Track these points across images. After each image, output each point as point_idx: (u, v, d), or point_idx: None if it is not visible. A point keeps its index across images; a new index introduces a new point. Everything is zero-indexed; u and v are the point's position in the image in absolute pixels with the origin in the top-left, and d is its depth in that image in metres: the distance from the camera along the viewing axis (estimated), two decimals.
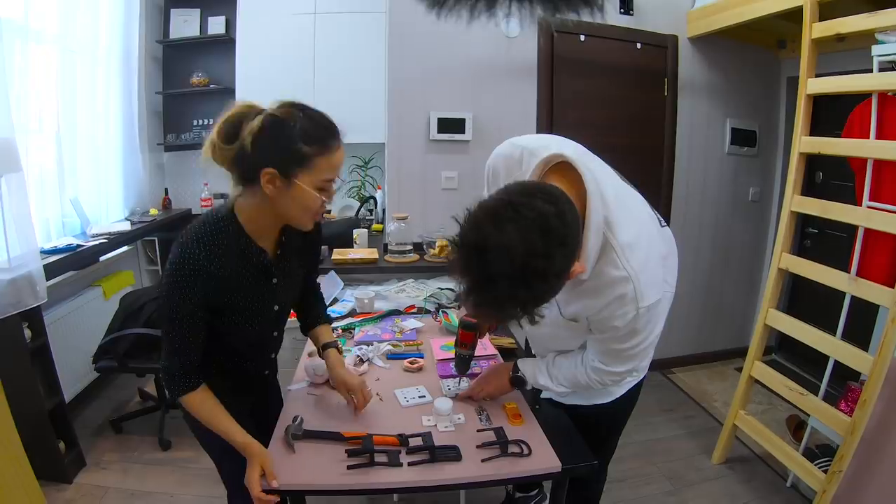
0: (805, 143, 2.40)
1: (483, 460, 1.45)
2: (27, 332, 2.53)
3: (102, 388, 3.55)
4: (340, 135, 1.33)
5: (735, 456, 2.86)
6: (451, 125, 3.31)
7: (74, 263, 3.17)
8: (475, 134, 3.32)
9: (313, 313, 1.78)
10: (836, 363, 2.27)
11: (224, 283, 1.33)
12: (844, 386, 2.32)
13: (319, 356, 1.74)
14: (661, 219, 1.57)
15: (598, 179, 1.22)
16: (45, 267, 2.59)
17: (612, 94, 3.41)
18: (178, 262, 1.28)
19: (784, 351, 3.77)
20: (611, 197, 1.24)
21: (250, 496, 1.34)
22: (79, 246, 3.17)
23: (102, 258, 3.59)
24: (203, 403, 1.41)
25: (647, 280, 1.24)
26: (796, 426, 2.86)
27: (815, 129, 2.41)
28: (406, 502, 2.58)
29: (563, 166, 1.25)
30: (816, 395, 2.34)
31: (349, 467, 1.41)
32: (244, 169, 1.27)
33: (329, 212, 4.58)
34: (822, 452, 2.44)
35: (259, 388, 1.71)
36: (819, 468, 2.26)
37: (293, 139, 1.23)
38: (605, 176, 1.32)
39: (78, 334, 3.19)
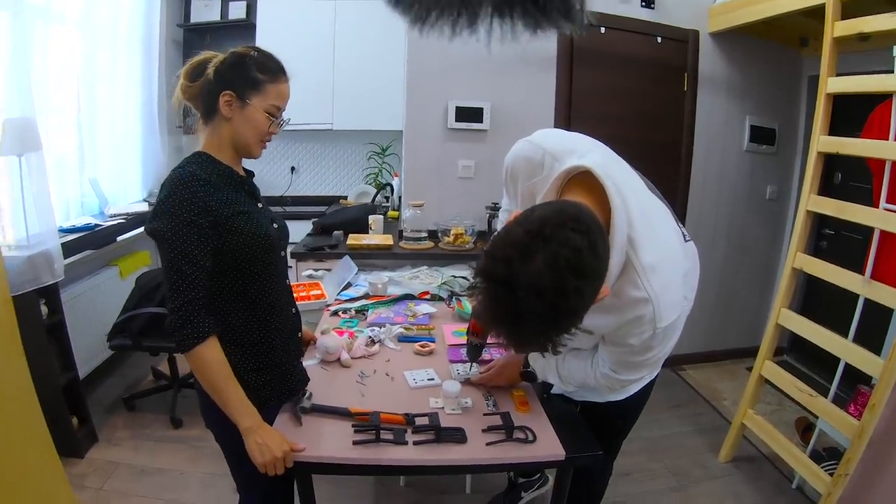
0: (823, 142, 2.37)
1: (488, 444, 1.46)
2: (44, 309, 2.58)
3: (116, 367, 3.61)
4: (287, 74, 1.51)
5: (742, 455, 2.85)
6: (469, 114, 3.31)
7: (92, 242, 3.22)
8: (493, 123, 3.32)
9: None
10: (848, 366, 2.25)
11: (220, 195, 1.41)
12: (855, 389, 2.31)
13: None
14: (686, 233, 1.51)
15: (624, 193, 1.16)
16: (63, 245, 2.64)
17: (632, 87, 3.39)
18: (174, 179, 1.36)
19: (795, 352, 3.74)
20: (636, 214, 1.18)
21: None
22: (97, 225, 3.23)
23: (120, 238, 3.63)
24: (217, 361, 1.37)
25: (667, 301, 1.21)
26: (805, 428, 2.84)
27: (836, 129, 2.38)
28: (412, 486, 2.61)
29: (587, 176, 1.18)
30: (826, 398, 2.32)
31: (355, 443, 1.43)
32: (207, 99, 1.44)
33: (345, 197, 4.62)
34: (828, 455, 2.43)
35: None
36: (825, 471, 2.25)
37: (249, 68, 1.43)
38: (630, 188, 1.25)
39: (94, 312, 3.24)
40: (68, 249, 2.76)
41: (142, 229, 3.89)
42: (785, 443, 2.49)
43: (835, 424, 2.24)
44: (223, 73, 1.42)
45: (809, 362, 3.49)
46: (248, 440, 1.37)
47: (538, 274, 0.92)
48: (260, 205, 1.58)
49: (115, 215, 3.49)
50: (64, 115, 3.22)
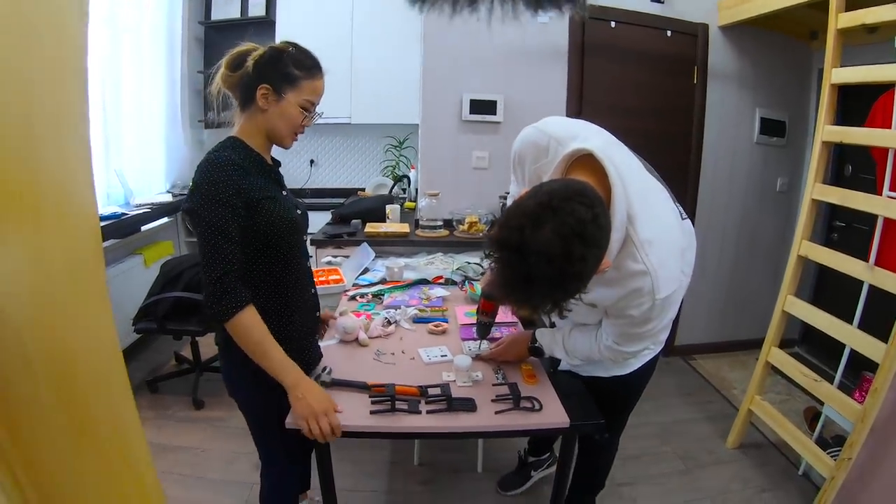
0: (828, 132, 2.40)
1: (496, 412, 1.54)
2: None
3: (140, 352, 3.73)
4: (323, 71, 1.58)
5: (749, 442, 2.89)
6: (482, 107, 3.39)
7: (118, 231, 3.34)
8: (506, 115, 3.40)
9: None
10: (855, 355, 2.28)
11: (252, 180, 1.49)
12: (860, 377, 2.35)
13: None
14: (683, 211, 1.59)
15: (623, 174, 1.26)
16: None
17: (642, 80, 3.44)
18: (211, 162, 1.44)
19: (806, 344, 3.76)
20: (634, 193, 1.27)
21: (289, 461, 1.68)
22: (122, 214, 3.34)
23: (144, 228, 3.75)
24: (255, 326, 1.45)
25: (664, 274, 1.29)
26: (813, 417, 2.86)
27: (844, 121, 2.41)
28: (425, 465, 2.70)
29: (589, 158, 1.27)
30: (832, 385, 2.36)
31: (372, 412, 1.52)
32: (245, 90, 1.52)
33: (363, 189, 4.71)
34: (835, 443, 2.46)
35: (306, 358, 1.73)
36: (830, 456, 2.28)
37: (286, 64, 1.50)
38: (629, 169, 1.35)
39: (119, 298, 3.35)
40: None
41: (166, 219, 4.04)
42: (791, 429, 2.52)
43: (839, 409, 2.27)
44: (261, 66, 1.49)
45: (820, 354, 3.51)
46: (290, 396, 1.46)
47: (548, 241, 1.02)
48: (285, 192, 1.65)
49: (140, 205, 3.61)
50: (90, 110, 3.31)
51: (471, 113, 3.39)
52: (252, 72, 1.49)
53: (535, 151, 1.48)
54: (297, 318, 1.64)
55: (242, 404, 1.69)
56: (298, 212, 1.67)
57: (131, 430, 1.40)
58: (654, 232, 1.29)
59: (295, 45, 1.55)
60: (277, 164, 1.68)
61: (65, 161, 0.81)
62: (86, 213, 0.86)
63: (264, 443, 1.74)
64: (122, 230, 3.40)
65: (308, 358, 1.70)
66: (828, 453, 2.31)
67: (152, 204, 3.70)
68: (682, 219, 1.56)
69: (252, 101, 1.51)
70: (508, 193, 1.90)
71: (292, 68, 1.50)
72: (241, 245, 1.46)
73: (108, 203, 3.52)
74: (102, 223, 3.09)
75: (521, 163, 1.56)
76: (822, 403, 2.47)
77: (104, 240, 3.13)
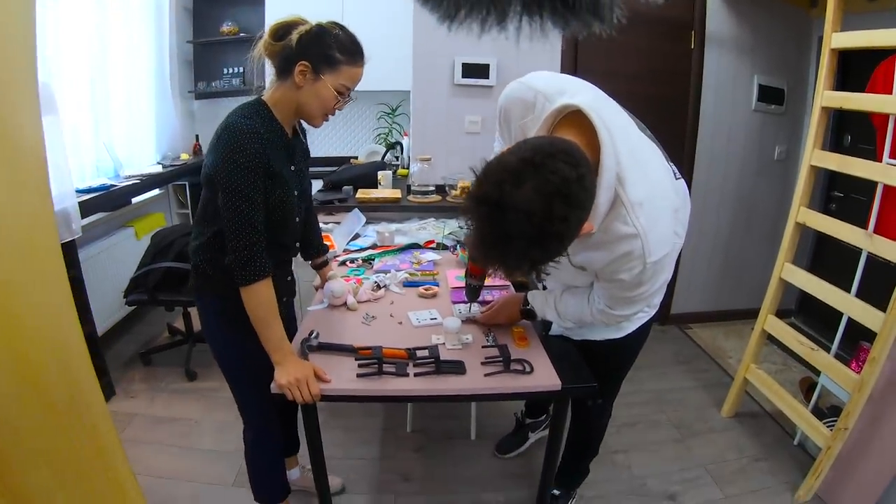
0: (827, 97, 2.35)
1: (486, 375, 1.51)
2: None
3: (133, 324, 3.71)
4: (364, 59, 1.58)
5: (745, 411, 2.88)
6: (475, 70, 3.32)
7: (108, 203, 3.29)
8: (499, 79, 3.32)
9: (314, 241, 2.03)
10: (851, 326, 2.25)
11: (272, 150, 1.51)
12: (857, 346, 2.33)
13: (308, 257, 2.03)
14: (676, 171, 1.53)
15: (613, 132, 1.20)
16: (80, 205, 2.70)
17: (639, 44, 3.36)
18: (236, 129, 1.45)
19: (803, 314, 3.74)
20: (625, 151, 1.21)
21: (265, 417, 1.75)
22: (112, 186, 3.29)
23: (135, 200, 3.72)
24: (270, 299, 1.52)
25: (655, 237, 1.25)
26: (808, 388, 2.85)
27: (844, 89, 2.35)
28: (418, 432, 2.69)
29: (577, 115, 1.21)
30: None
31: (359, 375, 1.49)
32: (284, 62, 1.50)
33: (356, 157, 4.65)
34: (830, 413, 2.45)
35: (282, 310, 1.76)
36: (827, 426, 2.27)
37: (330, 45, 1.49)
38: (619, 127, 1.28)
39: (111, 271, 3.34)
40: (85, 209, 2.83)
41: (157, 191, 4.00)
42: (787, 398, 2.51)
43: (835, 379, 2.25)
44: (306, 43, 1.47)
45: (817, 324, 3.48)
46: (276, 371, 1.49)
47: (528, 198, 0.97)
48: (293, 167, 1.66)
49: (129, 177, 3.56)
50: (78, 82, 3.26)
51: (463, 77, 3.32)
52: (295, 46, 1.47)
53: (521, 107, 1.43)
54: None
55: (215, 353, 1.75)
56: (296, 192, 1.68)
57: (100, 421, 1.41)
58: (646, 193, 1.24)
59: (342, 28, 1.54)
60: (301, 133, 1.73)
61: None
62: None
63: (239, 398, 1.80)
64: (112, 202, 3.34)
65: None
66: (824, 423, 2.30)
67: (142, 175, 3.64)
68: (676, 178, 1.50)
69: (289, 74, 1.50)
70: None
71: (335, 51, 1.50)
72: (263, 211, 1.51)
73: (97, 176, 3.47)
74: (91, 195, 3.05)
75: (506, 119, 1.52)
76: (818, 373, 2.45)
77: (93, 213, 3.12)
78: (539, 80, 1.42)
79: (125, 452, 1.60)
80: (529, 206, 0.96)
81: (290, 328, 1.78)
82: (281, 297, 1.66)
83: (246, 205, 1.45)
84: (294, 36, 1.47)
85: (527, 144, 1.05)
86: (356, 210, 2.94)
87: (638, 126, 1.44)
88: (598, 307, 1.51)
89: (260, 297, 1.50)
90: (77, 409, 1.37)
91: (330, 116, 1.61)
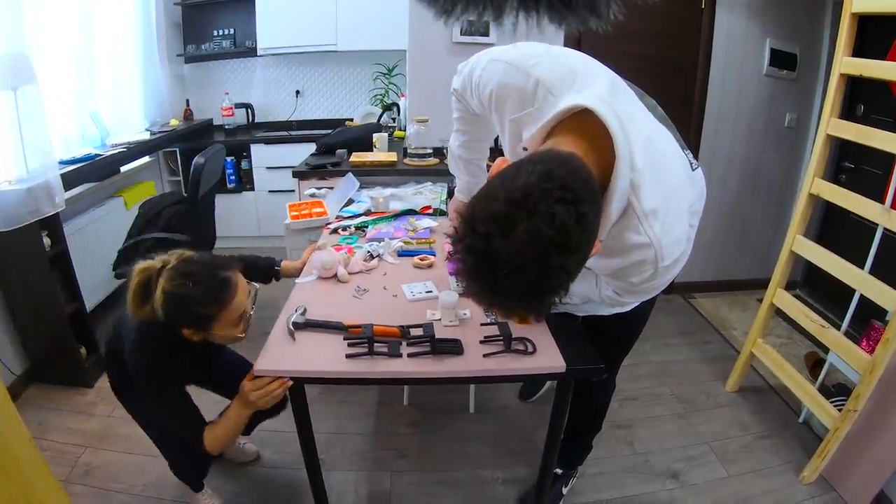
0: (846, 64, 2.22)
1: (485, 355, 1.43)
2: (47, 241, 2.57)
3: (123, 298, 3.60)
4: (232, 277, 1.49)
5: (749, 385, 2.83)
6: (475, 27, 3.19)
7: (94, 173, 3.18)
8: (499, 36, 3.16)
9: (262, 266, 2.02)
10: (861, 302, 2.18)
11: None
12: (868, 324, 2.25)
13: (276, 276, 2.01)
14: (693, 160, 1.40)
15: (629, 131, 1.03)
16: (65, 177, 2.62)
17: (648, 2, 3.21)
18: (150, 365, 1.52)
19: (808, 287, 3.66)
20: (640, 152, 1.05)
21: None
22: (97, 155, 3.17)
23: (123, 169, 3.60)
24: (215, 431, 1.57)
25: (669, 241, 1.11)
26: (814, 363, 2.80)
27: (860, 56, 2.24)
28: (414, 406, 2.64)
29: (586, 112, 1.04)
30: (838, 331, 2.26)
31: (347, 356, 1.41)
32: (167, 323, 1.45)
33: (351, 119, 4.54)
34: (837, 391, 2.38)
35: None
36: (835, 406, 2.21)
37: (193, 307, 1.42)
38: (636, 120, 1.11)
39: (100, 244, 3.24)
40: (69, 181, 2.74)
41: (146, 158, 3.90)
42: (794, 374, 2.44)
43: (846, 358, 2.17)
44: (171, 314, 1.41)
45: (822, 298, 3.41)
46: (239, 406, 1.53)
47: (519, 252, 0.83)
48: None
49: (116, 145, 3.44)
50: (59, 48, 3.13)
51: (462, 34, 3.19)
52: (164, 316, 1.41)
53: (517, 98, 1.22)
54: None
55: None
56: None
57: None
58: (660, 198, 1.09)
59: (191, 276, 1.43)
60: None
61: None
62: None
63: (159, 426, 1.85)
64: (98, 172, 3.23)
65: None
66: (832, 402, 2.23)
67: (129, 143, 3.51)
68: (693, 169, 1.37)
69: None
70: (455, 132, 1.74)
71: (200, 308, 1.43)
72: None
73: (83, 145, 3.34)
74: (75, 165, 2.94)
75: (498, 109, 1.31)
76: (825, 349, 2.37)
77: (78, 184, 3.03)
78: (539, 66, 1.19)
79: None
80: (521, 261, 0.84)
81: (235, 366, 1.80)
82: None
83: (173, 399, 1.57)
84: (158, 308, 1.40)
85: (518, 182, 0.87)
86: (350, 174, 2.84)
87: (651, 109, 1.29)
88: (607, 293, 1.40)
89: (215, 440, 1.56)
90: None
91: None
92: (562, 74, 1.15)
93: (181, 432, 1.59)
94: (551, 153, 0.93)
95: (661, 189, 1.10)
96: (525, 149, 1.10)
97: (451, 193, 1.91)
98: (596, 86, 1.11)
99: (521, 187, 0.85)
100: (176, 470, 1.96)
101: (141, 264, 1.47)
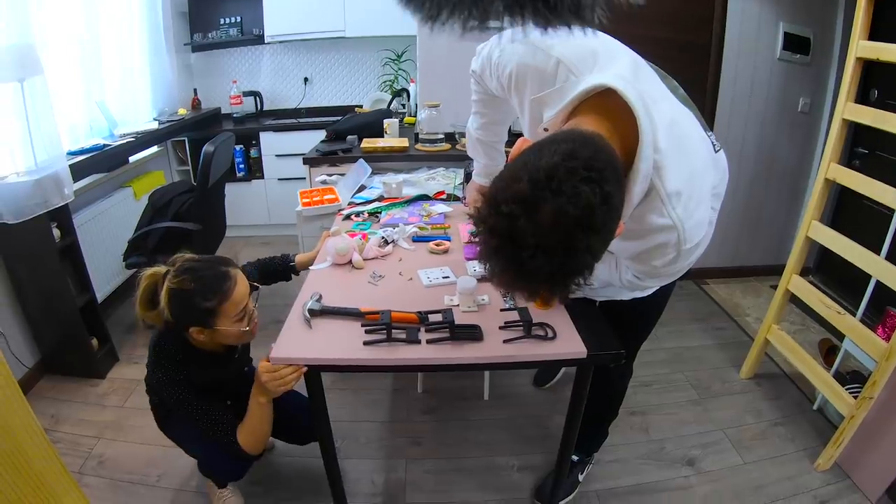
0: (862, 47, 2.18)
1: (505, 341, 1.41)
2: (56, 232, 2.57)
3: (134, 288, 3.61)
4: (232, 270, 1.56)
5: (763, 372, 2.80)
6: None
7: (103, 164, 3.18)
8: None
9: (278, 265, 2.06)
10: (877, 289, 2.15)
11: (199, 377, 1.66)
12: (883, 312, 2.22)
13: (294, 271, 2.06)
14: (716, 142, 1.36)
15: (653, 112, 1.01)
16: (73, 167, 2.61)
17: (633, 6, 3.16)
18: (167, 373, 1.61)
19: (822, 273, 3.62)
20: (663, 133, 1.04)
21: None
22: (105, 145, 3.16)
23: (132, 159, 3.60)
24: (244, 427, 1.62)
25: (692, 224, 1.10)
26: (828, 350, 2.78)
27: (874, 40, 2.20)
28: (429, 393, 2.63)
29: (609, 92, 1.01)
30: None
31: (366, 343, 1.39)
32: (175, 327, 1.54)
33: (361, 106, 4.52)
34: (852, 379, 2.36)
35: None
36: (850, 393, 2.18)
37: (196, 301, 1.48)
38: (659, 101, 1.10)
39: (110, 234, 3.24)
40: (78, 171, 2.73)
41: (155, 148, 3.89)
42: (809, 361, 2.42)
43: (861, 345, 2.14)
44: (177, 313, 1.49)
45: (836, 285, 3.37)
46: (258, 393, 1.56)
47: (544, 234, 0.82)
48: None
49: (125, 135, 3.42)
50: (66, 39, 3.12)
51: None
52: (171, 317, 1.49)
53: (538, 78, 1.20)
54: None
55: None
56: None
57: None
58: (684, 180, 1.07)
59: (193, 272, 1.51)
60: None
61: None
62: None
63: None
64: (107, 162, 3.23)
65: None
66: (847, 390, 2.21)
67: (137, 133, 3.50)
68: (716, 151, 1.34)
69: (189, 333, 1.56)
70: (473, 115, 1.72)
71: (203, 302, 1.49)
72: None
73: (91, 136, 3.33)
74: (84, 156, 2.93)
75: (518, 89, 1.30)
76: (839, 336, 2.34)
77: (87, 174, 3.02)
78: (561, 46, 1.16)
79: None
80: (546, 242, 0.82)
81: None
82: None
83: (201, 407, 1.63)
84: (164, 309, 1.48)
85: (541, 162, 0.85)
86: (361, 160, 2.81)
87: (672, 90, 1.26)
88: (627, 277, 1.38)
89: (251, 438, 1.62)
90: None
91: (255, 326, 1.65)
92: (583, 55, 1.12)
93: (215, 436, 1.63)
94: (574, 133, 0.92)
95: (685, 171, 1.08)
96: (545, 130, 1.09)
97: (468, 178, 1.89)
98: (618, 66, 1.09)
99: (545, 167, 0.83)
100: (207, 470, 1.95)
101: (148, 270, 1.56)
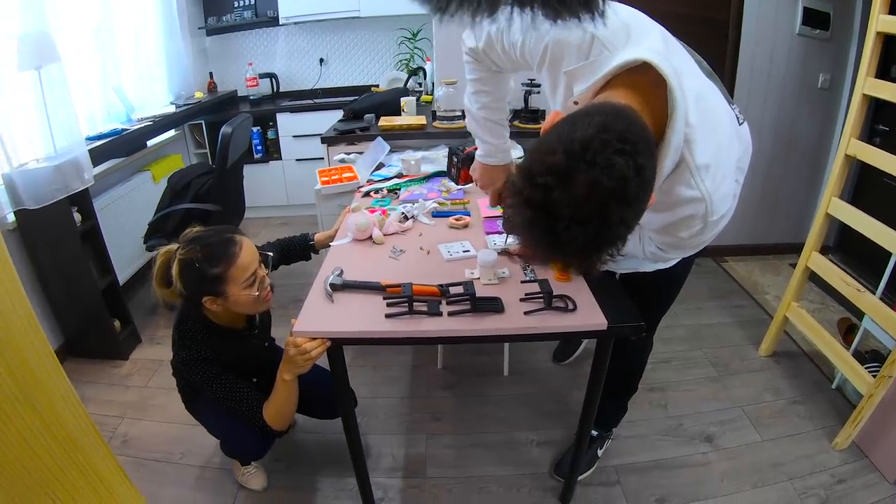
0: (883, 22, 2.13)
1: (526, 313, 1.41)
2: (77, 217, 2.61)
3: (151, 267, 3.65)
4: (237, 236, 1.59)
5: (782, 350, 2.79)
6: None
7: (121, 148, 3.21)
8: None
9: (297, 245, 2.09)
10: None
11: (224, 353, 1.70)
12: None
13: (313, 250, 2.09)
14: (739, 115, 1.37)
15: (684, 86, 1.02)
16: (92, 152, 2.64)
17: None
18: (190, 351, 1.68)
19: (841, 252, 3.59)
20: (693, 108, 1.05)
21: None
22: (123, 130, 3.19)
23: (150, 143, 3.63)
24: (277, 408, 1.64)
25: (720, 197, 1.12)
26: (847, 329, 2.75)
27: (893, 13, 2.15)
28: (448, 369, 2.65)
29: (641, 66, 1.02)
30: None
31: (387, 316, 1.40)
32: (191, 300, 1.58)
33: (377, 86, 4.51)
34: (871, 357, 2.34)
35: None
36: (869, 372, 2.16)
37: (203, 269, 1.51)
38: (688, 76, 1.09)
39: (130, 218, 3.29)
40: (97, 156, 2.75)
41: (173, 132, 3.92)
42: (828, 339, 2.39)
43: (882, 323, 2.12)
44: (188, 284, 1.52)
45: (855, 263, 3.34)
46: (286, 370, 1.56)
47: (579, 205, 0.83)
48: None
49: (142, 119, 3.45)
50: (82, 26, 3.14)
51: None
52: (184, 290, 1.53)
53: (573, 53, 1.18)
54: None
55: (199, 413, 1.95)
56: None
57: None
58: (712, 153, 1.09)
59: (199, 241, 1.55)
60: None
61: None
62: None
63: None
64: (125, 147, 3.27)
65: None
66: (866, 368, 2.19)
67: (154, 117, 3.53)
68: (739, 124, 1.35)
69: (203, 307, 1.59)
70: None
71: (210, 269, 1.51)
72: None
73: (108, 121, 3.36)
74: (102, 141, 2.96)
75: (553, 63, 1.26)
76: (859, 314, 2.32)
77: (106, 159, 3.08)
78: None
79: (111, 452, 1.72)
80: (581, 213, 0.83)
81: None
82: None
83: (226, 383, 1.68)
84: (177, 283, 1.52)
85: (576, 134, 0.85)
86: (379, 139, 2.82)
87: (700, 66, 1.26)
88: (650, 249, 1.39)
89: (275, 418, 1.66)
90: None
91: (268, 297, 1.68)
92: (616, 29, 1.12)
93: (241, 412, 1.67)
94: (607, 105, 0.92)
95: (713, 144, 1.09)
96: (576, 103, 1.10)
97: (465, 160, 1.86)
98: (650, 40, 1.09)
99: (579, 139, 0.83)
100: (230, 451, 1.99)
101: (162, 248, 1.60)
